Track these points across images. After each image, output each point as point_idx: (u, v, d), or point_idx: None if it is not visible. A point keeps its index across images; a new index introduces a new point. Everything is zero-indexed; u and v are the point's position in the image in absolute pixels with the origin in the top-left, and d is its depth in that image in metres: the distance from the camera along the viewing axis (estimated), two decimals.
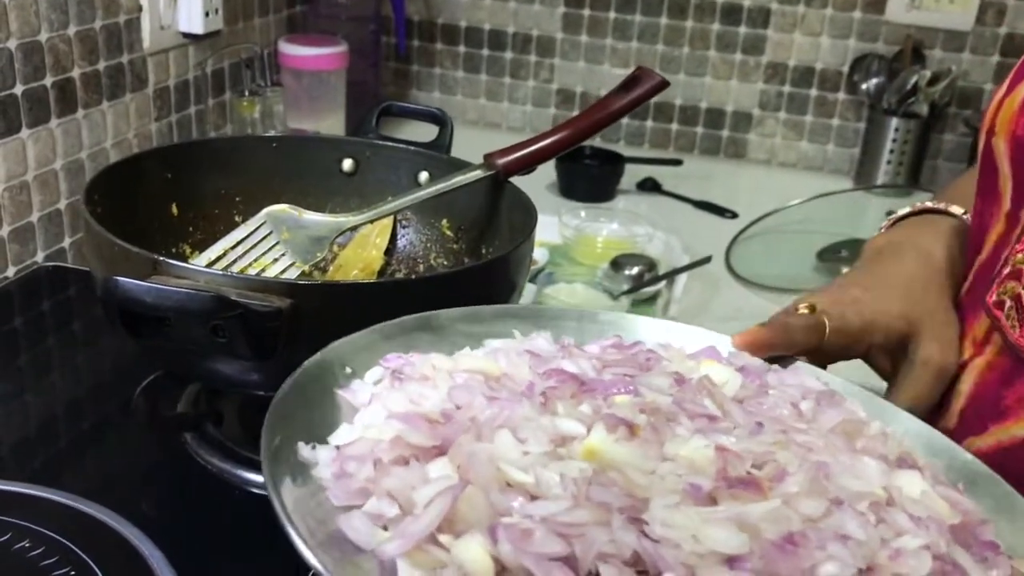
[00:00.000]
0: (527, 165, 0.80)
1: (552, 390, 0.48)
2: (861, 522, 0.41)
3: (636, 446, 0.44)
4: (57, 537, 0.63)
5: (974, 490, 0.50)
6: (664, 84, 0.80)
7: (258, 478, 0.71)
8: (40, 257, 1.12)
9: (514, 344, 0.56)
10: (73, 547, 0.62)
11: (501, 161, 0.79)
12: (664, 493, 0.41)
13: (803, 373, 0.57)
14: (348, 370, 0.53)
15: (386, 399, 0.48)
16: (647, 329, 0.62)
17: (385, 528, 0.41)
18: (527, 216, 0.76)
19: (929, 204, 0.75)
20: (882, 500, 0.44)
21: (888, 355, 0.66)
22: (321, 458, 0.45)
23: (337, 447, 0.46)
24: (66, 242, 1.16)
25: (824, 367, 0.63)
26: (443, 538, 0.39)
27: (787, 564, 0.38)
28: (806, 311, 0.63)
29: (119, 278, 0.54)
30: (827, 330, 0.62)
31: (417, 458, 0.44)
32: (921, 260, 0.69)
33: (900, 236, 0.72)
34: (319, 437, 0.47)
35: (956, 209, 0.73)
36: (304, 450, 0.45)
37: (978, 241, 0.68)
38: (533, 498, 0.41)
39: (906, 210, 0.75)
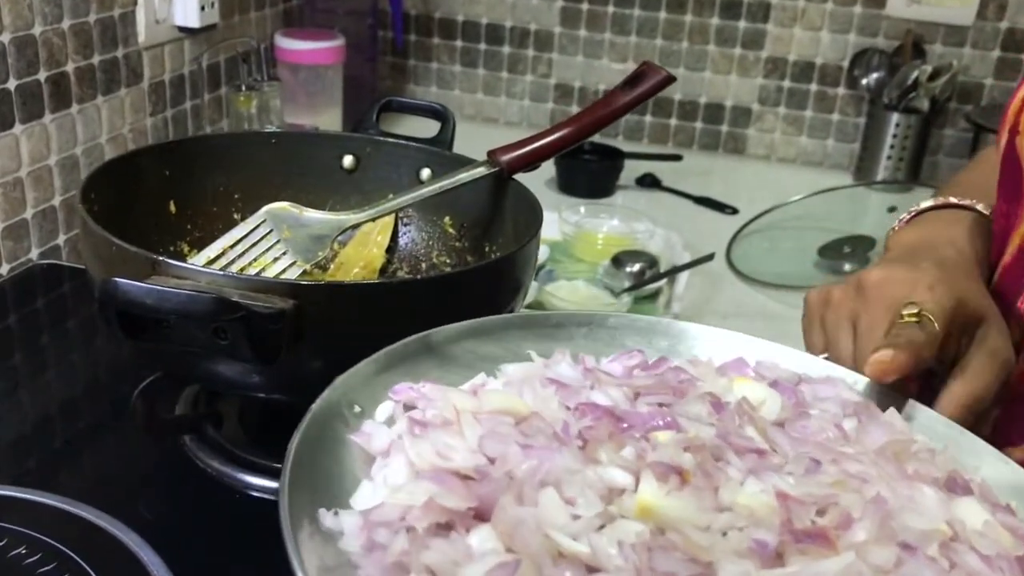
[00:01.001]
0: (531, 162, 0.78)
1: (589, 430, 0.45)
2: (936, 571, 0.39)
3: (690, 496, 0.41)
4: (54, 543, 0.61)
5: (1022, 502, 0.49)
6: (670, 79, 0.79)
7: (259, 481, 0.70)
8: (34, 254, 1.10)
9: (535, 371, 0.53)
10: (71, 553, 0.61)
11: (505, 158, 0.78)
12: (729, 555, 0.38)
13: (838, 384, 0.56)
14: (357, 409, 0.49)
15: (409, 451, 0.45)
16: (662, 332, 0.60)
17: None
18: (532, 214, 0.75)
19: (953, 200, 0.72)
20: (947, 537, 0.42)
21: (956, 339, 0.60)
22: (347, 527, 0.42)
23: (362, 513, 0.42)
24: (61, 239, 1.14)
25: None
26: None
27: None
28: (914, 319, 0.58)
29: (118, 279, 0.53)
30: (938, 331, 0.57)
31: (453, 525, 0.40)
32: (956, 251, 0.66)
33: (928, 232, 0.70)
34: (339, 495, 0.44)
35: (983, 207, 0.70)
36: (327, 519, 0.42)
37: (1001, 243, 0.66)
38: (590, 570, 0.38)
39: (929, 203, 0.72)
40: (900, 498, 0.44)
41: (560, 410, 0.49)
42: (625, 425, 0.47)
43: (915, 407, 0.56)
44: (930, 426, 0.55)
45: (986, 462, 0.52)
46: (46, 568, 0.59)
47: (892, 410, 0.54)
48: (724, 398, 0.51)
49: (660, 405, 0.50)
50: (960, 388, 0.58)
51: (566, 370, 0.53)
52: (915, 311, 0.58)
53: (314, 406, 0.47)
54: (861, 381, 0.57)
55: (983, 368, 0.58)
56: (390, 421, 0.50)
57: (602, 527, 0.40)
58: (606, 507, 0.41)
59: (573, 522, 0.40)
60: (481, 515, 0.41)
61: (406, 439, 0.46)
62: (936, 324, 0.57)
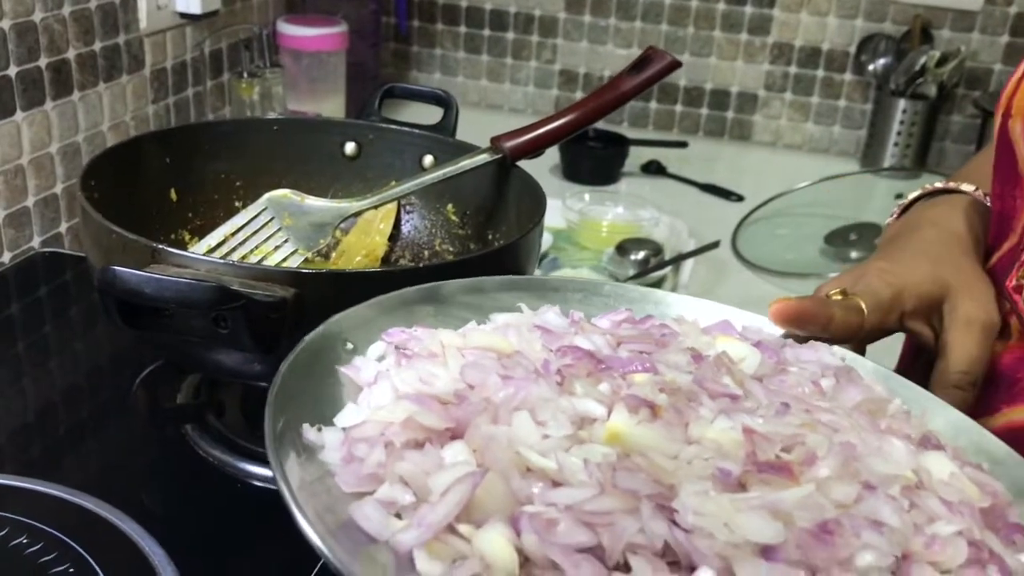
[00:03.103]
0: (535, 148, 0.78)
1: (568, 368, 0.46)
2: (894, 507, 0.40)
3: (660, 428, 0.42)
4: (55, 532, 0.61)
5: (996, 468, 0.49)
6: (676, 64, 0.78)
7: (261, 471, 0.70)
8: (36, 242, 1.10)
9: (524, 319, 0.54)
10: (72, 543, 0.61)
11: (508, 144, 0.77)
12: (693, 479, 0.39)
13: (820, 348, 0.56)
14: (349, 346, 0.51)
15: (394, 378, 0.46)
16: (655, 302, 0.61)
17: (399, 516, 0.39)
18: (536, 201, 0.74)
19: (939, 185, 0.73)
20: (912, 483, 0.43)
21: (925, 321, 0.62)
22: (328, 441, 0.43)
23: (344, 429, 0.44)
24: (63, 227, 1.14)
25: (863, 352, 0.60)
26: (462, 528, 0.37)
27: (824, 553, 0.37)
28: (839, 296, 0.60)
29: (116, 268, 0.53)
30: (865, 311, 0.59)
31: (431, 441, 0.42)
32: (938, 229, 0.67)
33: (913, 217, 0.71)
34: (324, 418, 0.45)
35: (967, 187, 0.71)
36: (310, 433, 0.43)
37: (1002, 226, 0.66)
38: (555, 485, 0.39)
39: (916, 193, 0.73)
40: (869, 447, 0.44)
41: (543, 351, 0.49)
42: (604, 366, 0.47)
43: (903, 384, 0.56)
44: (915, 399, 0.55)
45: (964, 436, 0.52)
46: (47, 557, 0.59)
47: (872, 376, 0.55)
48: (705, 352, 0.51)
49: (641, 353, 0.51)
50: (942, 365, 0.59)
51: (553, 318, 0.54)
52: (839, 290, 0.60)
53: (308, 337, 0.49)
54: (844, 352, 0.58)
55: (960, 340, 0.59)
56: (381, 359, 0.50)
57: (571, 448, 0.41)
58: (576, 432, 0.42)
59: (543, 441, 0.41)
60: (457, 435, 0.42)
61: (392, 369, 0.47)
62: (862, 303, 0.59)
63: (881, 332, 0.61)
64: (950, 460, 0.45)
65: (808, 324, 0.57)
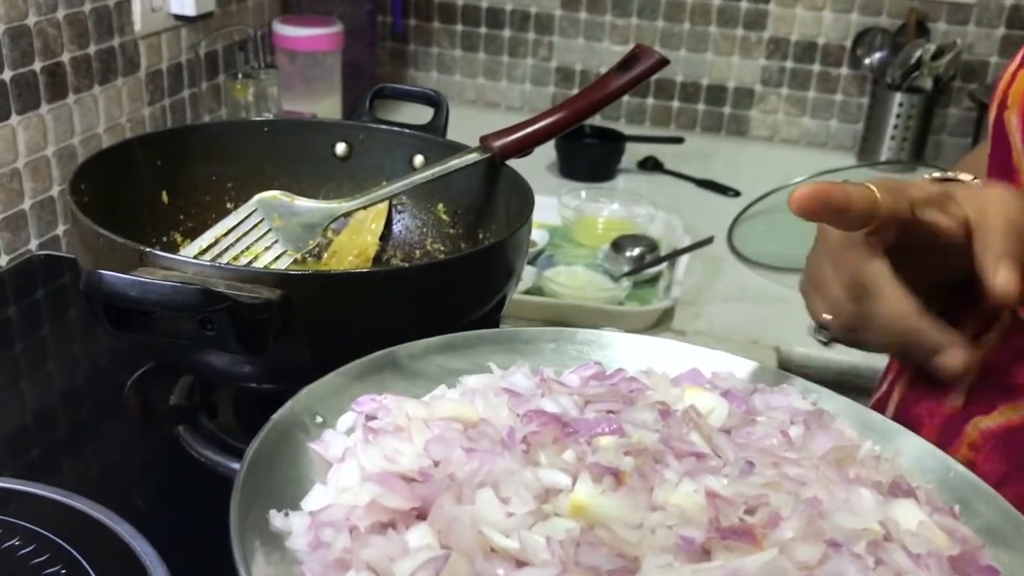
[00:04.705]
0: (523, 147, 0.78)
1: (534, 435, 0.47)
2: (859, 567, 0.40)
3: (624, 496, 0.43)
4: (48, 534, 0.62)
5: (969, 507, 0.49)
6: (664, 62, 0.78)
7: None
8: (33, 245, 1.11)
9: (491, 382, 0.54)
10: (65, 544, 0.61)
11: (497, 144, 0.77)
12: (656, 550, 0.39)
13: (791, 393, 0.56)
14: (319, 419, 0.51)
15: (360, 456, 0.47)
16: (627, 348, 0.61)
17: None
18: (524, 200, 0.75)
19: (937, 175, 0.72)
20: (879, 536, 0.42)
21: (937, 208, 0.56)
22: (295, 527, 0.43)
23: (311, 513, 0.44)
24: (59, 230, 1.15)
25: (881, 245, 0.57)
26: None
27: None
28: None
29: (102, 272, 0.53)
30: (877, 193, 0.54)
31: (395, 525, 0.42)
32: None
33: None
34: (293, 499, 0.46)
35: (964, 176, 0.70)
36: (276, 519, 0.44)
37: None
38: (519, 564, 0.39)
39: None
40: (836, 500, 0.44)
41: (510, 417, 0.50)
42: (570, 430, 0.47)
43: (877, 420, 0.55)
44: (888, 436, 0.54)
45: (933, 474, 0.52)
46: (40, 559, 0.60)
47: (845, 416, 0.54)
48: (674, 406, 0.51)
49: (609, 412, 0.51)
50: (983, 262, 0.54)
51: (520, 380, 0.54)
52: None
53: (275, 415, 0.49)
54: (817, 390, 0.57)
55: (990, 234, 0.55)
56: (350, 431, 0.51)
57: (535, 524, 0.41)
58: (541, 506, 0.42)
59: (507, 519, 0.41)
60: (423, 515, 0.42)
61: (359, 446, 0.47)
62: (874, 188, 0.55)
63: (896, 220, 0.56)
64: (919, 508, 0.45)
65: (830, 204, 0.53)
